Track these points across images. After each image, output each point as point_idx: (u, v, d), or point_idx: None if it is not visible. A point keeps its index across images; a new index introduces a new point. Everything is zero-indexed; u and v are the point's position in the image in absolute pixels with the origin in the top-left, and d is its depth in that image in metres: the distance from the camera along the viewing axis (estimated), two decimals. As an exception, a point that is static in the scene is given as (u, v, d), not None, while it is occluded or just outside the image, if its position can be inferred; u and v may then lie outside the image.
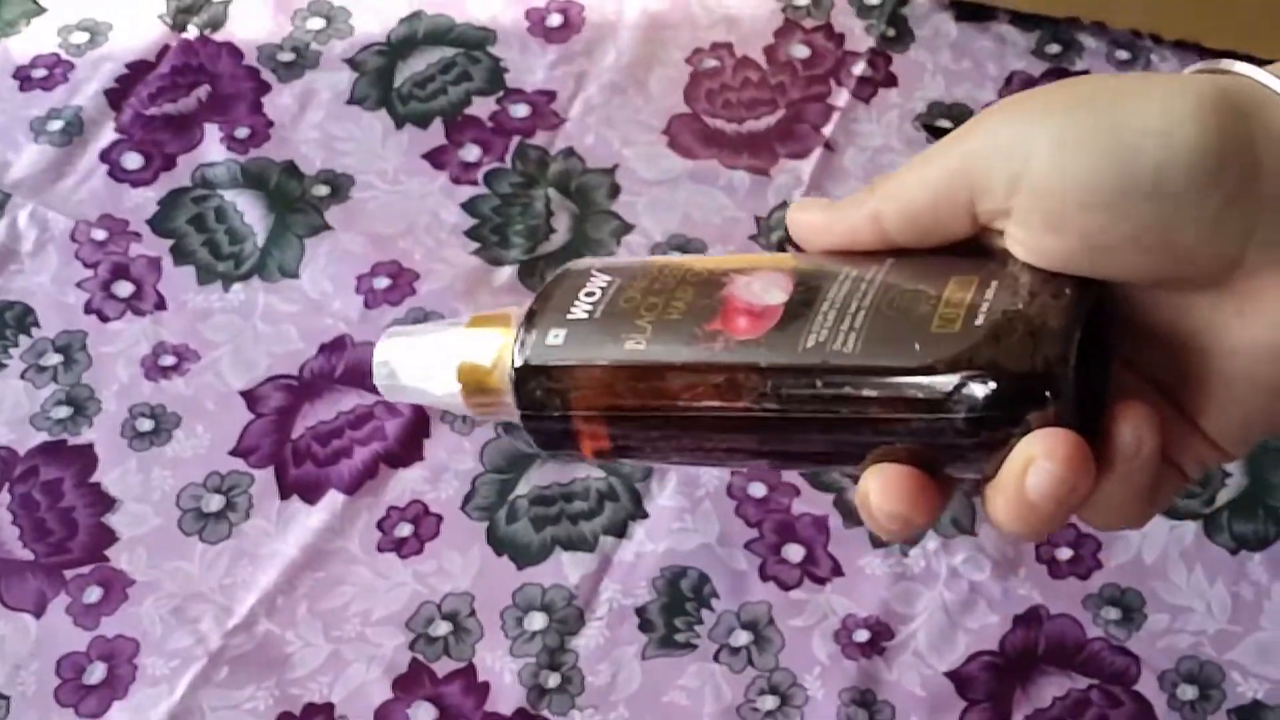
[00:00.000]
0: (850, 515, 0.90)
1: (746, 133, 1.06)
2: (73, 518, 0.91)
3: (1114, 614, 0.87)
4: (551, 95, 1.08)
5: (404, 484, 0.91)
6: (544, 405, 0.39)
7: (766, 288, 0.38)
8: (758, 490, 0.91)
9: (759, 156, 1.05)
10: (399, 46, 1.10)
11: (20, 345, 0.97)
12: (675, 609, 0.88)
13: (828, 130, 1.06)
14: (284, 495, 0.91)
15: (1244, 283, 0.36)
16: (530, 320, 0.40)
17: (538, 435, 0.40)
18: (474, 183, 1.04)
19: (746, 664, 0.86)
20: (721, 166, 1.04)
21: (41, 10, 1.12)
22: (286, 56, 1.09)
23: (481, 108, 1.07)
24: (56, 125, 1.06)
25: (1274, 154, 0.35)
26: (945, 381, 0.35)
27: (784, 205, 1.02)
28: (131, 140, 1.05)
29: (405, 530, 0.90)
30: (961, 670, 0.86)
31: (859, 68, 1.09)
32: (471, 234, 1.02)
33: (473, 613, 0.88)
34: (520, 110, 1.07)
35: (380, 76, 1.09)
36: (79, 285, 0.99)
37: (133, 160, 1.05)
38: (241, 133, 1.06)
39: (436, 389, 0.42)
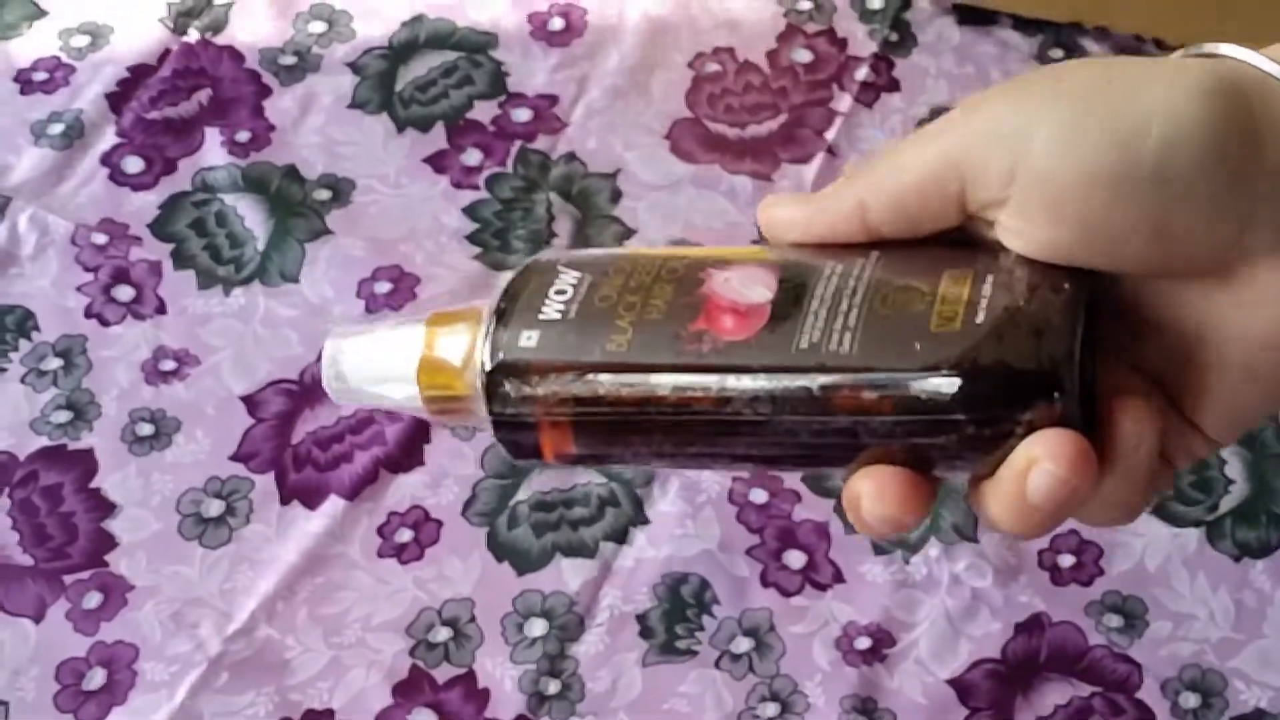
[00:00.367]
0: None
1: (749, 137, 1.06)
2: (72, 523, 0.90)
3: (1116, 621, 0.87)
4: (553, 99, 1.08)
5: (404, 489, 0.91)
6: (517, 410, 0.37)
7: (748, 284, 0.37)
8: (759, 496, 0.91)
9: (761, 161, 1.05)
10: (400, 50, 1.10)
11: (20, 349, 0.97)
12: (676, 615, 0.87)
13: (830, 135, 1.06)
14: (284, 500, 0.91)
15: (1241, 270, 0.35)
16: (500, 319, 0.38)
17: (508, 442, 0.38)
18: (475, 187, 1.04)
19: (747, 671, 0.86)
20: (723, 171, 1.04)
21: (43, 13, 1.12)
22: (288, 60, 1.09)
23: (483, 112, 1.07)
24: (57, 128, 1.06)
25: (1274, 135, 0.35)
26: (949, 383, 0.34)
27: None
28: (132, 144, 1.05)
29: (406, 536, 0.90)
30: (963, 677, 0.85)
31: (861, 72, 1.09)
32: (473, 238, 1.01)
33: (473, 619, 0.88)
34: (522, 114, 1.07)
35: (382, 80, 1.08)
36: (79, 289, 0.99)
37: (133, 164, 1.04)
38: (242, 136, 1.05)
39: (394, 392, 0.40)
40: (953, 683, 0.85)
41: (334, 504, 0.91)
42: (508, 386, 0.37)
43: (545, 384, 0.37)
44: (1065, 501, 0.34)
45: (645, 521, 0.90)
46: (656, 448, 0.38)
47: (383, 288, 0.99)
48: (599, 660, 0.86)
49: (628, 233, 1.01)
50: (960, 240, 0.38)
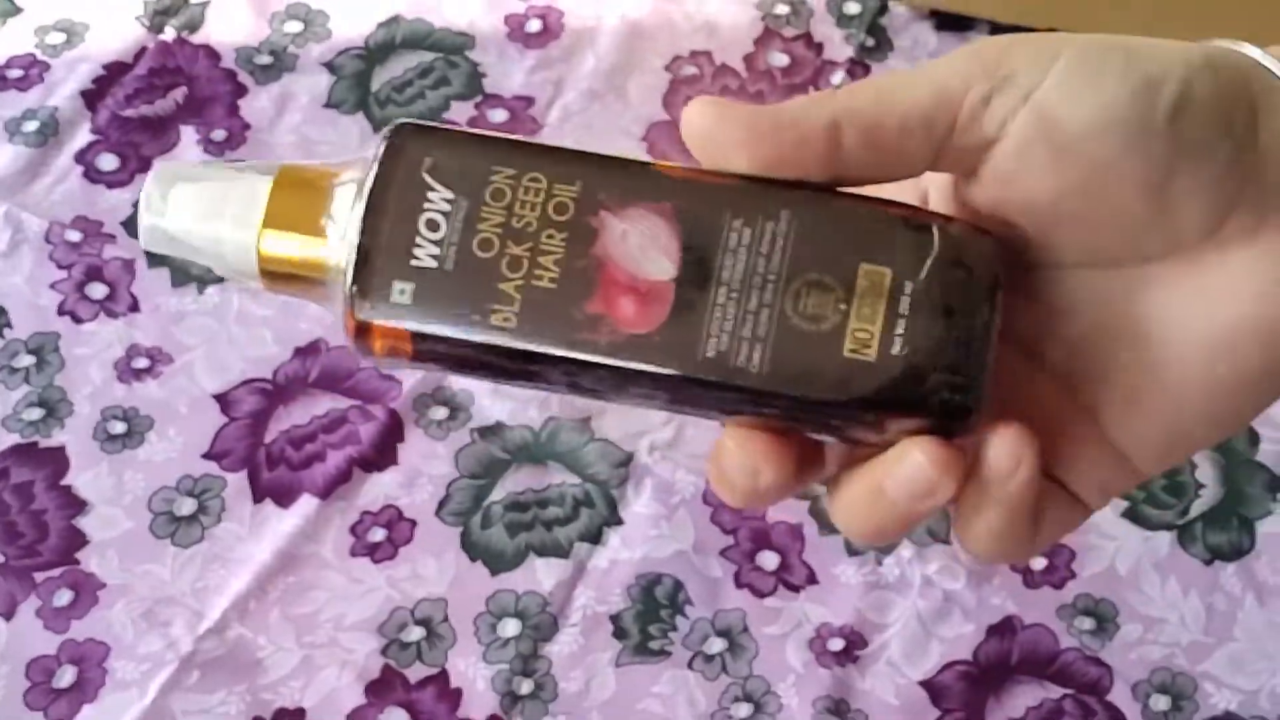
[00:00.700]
0: (826, 523, 0.90)
1: (725, 140, 1.06)
2: (43, 520, 0.90)
3: (1088, 624, 0.87)
4: (530, 101, 1.08)
5: (378, 488, 0.91)
6: (388, 353, 0.35)
7: (647, 249, 0.34)
8: (733, 498, 0.91)
9: (737, 164, 1.05)
10: (377, 51, 1.10)
11: (-8, 346, 0.96)
12: (649, 616, 0.87)
13: (806, 138, 1.06)
14: (257, 499, 0.91)
15: (1211, 255, 0.34)
16: (364, 258, 0.34)
17: (362, 356, 0.36)
18: (451, 187, 1.03)
19: (720, 671, 0.86)
20: (700, 174, 1.04)
21: (18, 10, 1.11)
22: (264, 59, 1.09)
23: (460, 112, 1.07)
24: (32, 126, 1.05)
25: (1268, 120, 0.34)
26: (861, 415, 0.34)
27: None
28: (107, 141, 1.05)
29: (379, 535, 0.90)
30: (935, 679, 0.86)
31: (838, 77, 1.09)
32: (448, 239, 1.01)
33: (446, 619, 0.87)
34: (498, 115, 1.07)
35: (358, 80, 1.08)
36: (53, 286, 0.99)
37: (108, 161, 1.04)
38: (218, 135, 1.05)
39: (224, 243, 0.36)
40: (925, 684, 0.85)
41: (307, 503, 0.90)
42: (372, 335, 0.35)
43: (420, 344, 0.35)
44: (921, 495, 0.33)
45: (619, 522, 0.90)
46: (521, 386, 0.36)
47: (358, 287, 0.98)
48: (572, 660, 0.86)
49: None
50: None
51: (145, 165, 1.04)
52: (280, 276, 0.36)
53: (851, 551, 0.89)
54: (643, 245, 0.34)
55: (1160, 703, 0.85)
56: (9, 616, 0.87)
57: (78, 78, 1.08)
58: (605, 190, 0.34)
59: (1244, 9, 1.03)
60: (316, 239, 0.35)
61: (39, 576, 0.88)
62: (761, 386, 0.34)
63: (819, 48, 1.11)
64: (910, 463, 0.33)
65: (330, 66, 1.09)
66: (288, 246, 0.36)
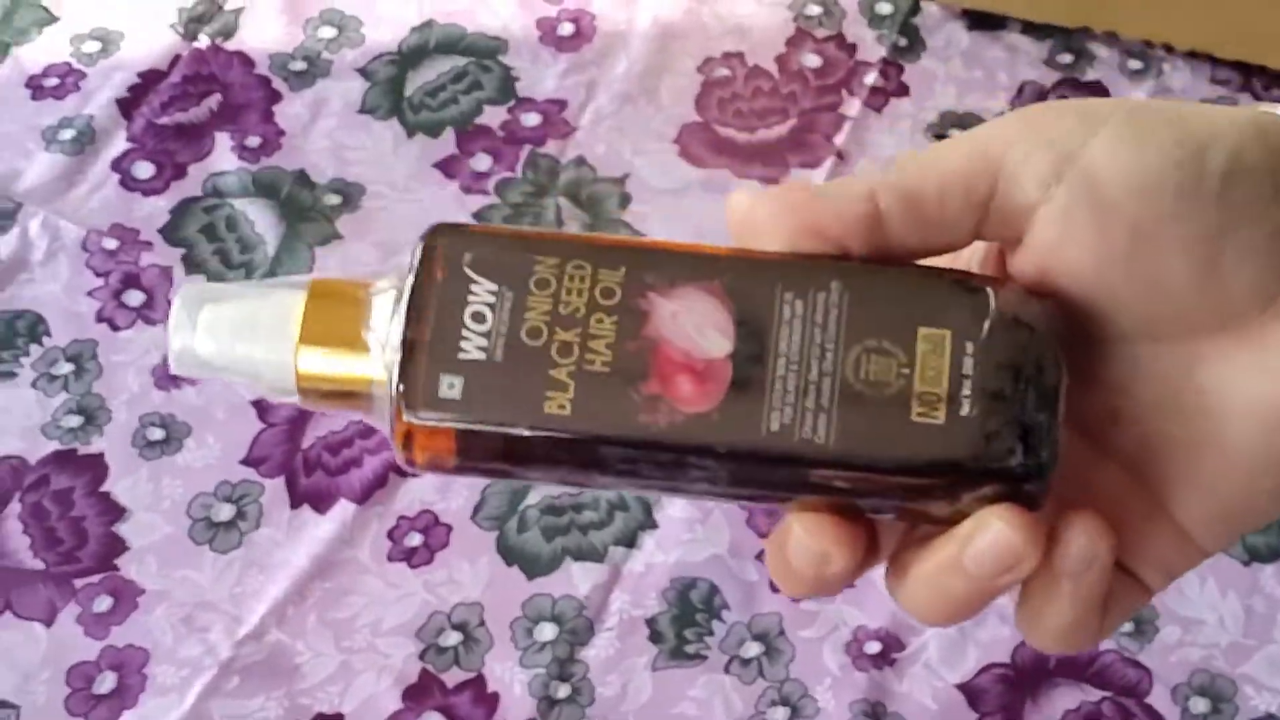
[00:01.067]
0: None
1: (758, 142, 1.06)
2: (83, 527, 0.91)
3: (1127, 626, 0.87)
4: (562, 104, 1.08)
5: (414, 493, 0.91)
6: (433, 460, 0.34)
7: (700, 327, 0.33)
8: (768, 501, 0.91)
9: (771, 166, 1.05)
10: (410, 56, 1.10)
11: (31, 354, 0.97)
12: (686, 620, 0.87)
13: (839, 140, 1.06)
14: (294, 505, 0.91)
15: (1270, 325, 0.33)
16: (410, 354, 0.33)
17: (410, 463, 0.34)
18: (485, 192, 1.04)
19: (757, 675, 0.86)
20: (733, 176, 1.04)
21: (54, 19, 1.12)
22: (298, 65, 1.10)
23: (492, 117, 1.07)
24: (68, 134, 1.06)
25: None
26: (934, 482, 0.33)
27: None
28: (143, 149, 1.06)
29: (415, 540, 0.90)
30: (972, 682, 0.85)
31: (871, 77, 1.09)
32: (482, 243, 1.01)
33: (482, 623, 0.88)
34: (531, 119, 1.07)
35: (391, 86, 1.09)
36: (90, 294, 0.99)
37: (144, 169, 1.05)
38: (253, 142, 1.06)
39: (259, 365, 0.35)
40: (962, 687, 0.85)
41: (344, 508, 0.91)
42: (423, 437, 0.33)
43: (468, 442, 0.33)
44: (1004, 569, 0.32)
45: (654, 526, 0.90)
46: (573, 483, 0.35)
47: (392, 292, 0.99)
48: (609, 665, 0.86)
49: (637, 236, 1.01)
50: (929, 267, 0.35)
51: (181, 172, 1.04)
52: (321, 393, 0.35)
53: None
54: (695, 323, 0.33)
55: (1200, 705, 0.85)
56: (49, 623, 0.88)
57: (113, 86, 1.08)
58: (651, 273, 0.34)
59: (1264, 10, 1.03)
60: (357, 352, 0.34)
61: (79, 583, 0.89)
62: (830, 457, 0.32)
63: (851, 48, 1.10)
64: (992, 533, 0.32)
65: (364, 72, 1.09)
66: (327, 362, 0.34)
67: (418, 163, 1.05)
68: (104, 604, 0.88)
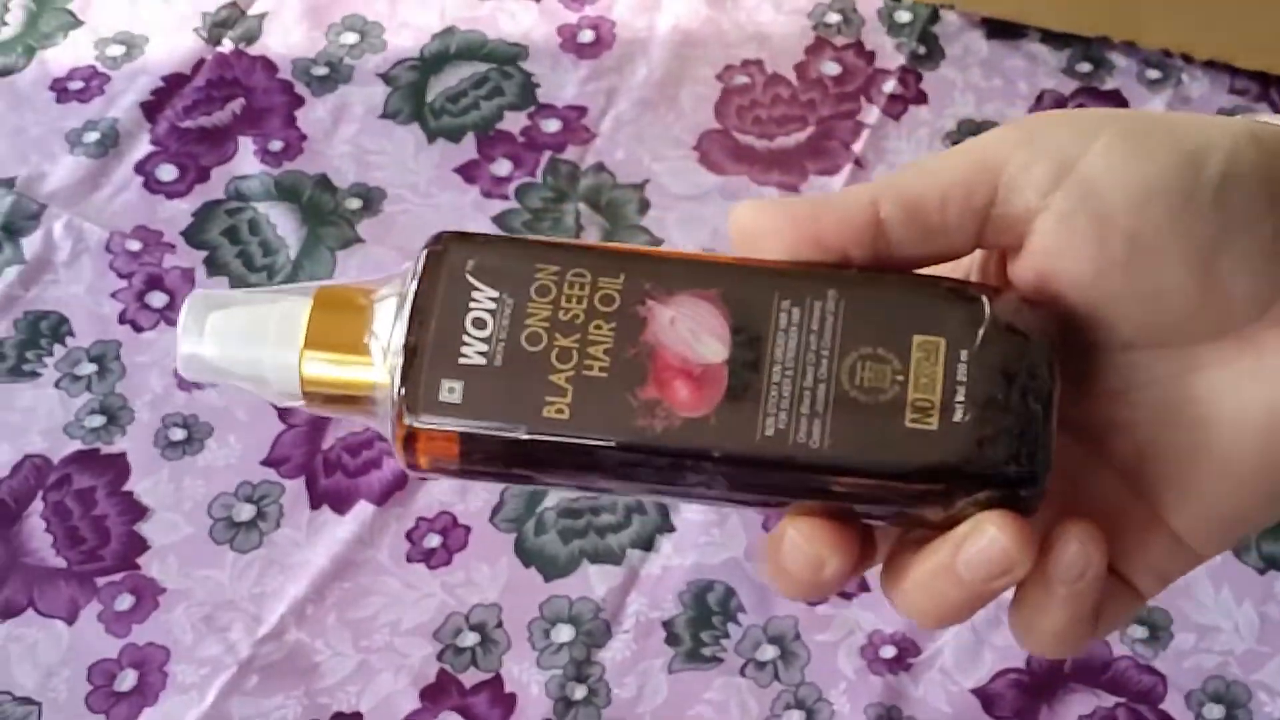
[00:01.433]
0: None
1: (777, 149, 1.07)
2: (105, 526, 0.91)
3: (1141, 632, 0.87)
4: (583, 110, 1.08)
5: (433, 495, 0.92)
6: (433, 463, 0.35)
7: (697, 333, 0.34)
8: (785, 505, 0.91)
9: (789, 173, 1.05)
10: (432, 62, 1.11)
11: (55, 354, 0.98)
12: (702, 623, 0.88)
13: (858, 147, 1.06)
14: (314, 505, 0.92)
15: (1266, 333, 0.33)
16: (411, 359, 0.34)
17: (411, 466, 0.35)
18: (505, 197, 1.05)
19: (773, 678, 0.86)
20: (751, 183, 1.05)
21: (79, 23, 1.13)
22: (320, 70, 1.10)
23: (513, 122, 1.08)
24: (92, 137, 1.07)
25: None
26: (923, 488, 0.33)
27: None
28: (166, 152, 1.07)
29: (434, 541, 0.91)
30: (988, 687, 0.86)
31: (889, 85, 1.09)
32: (502, 248, 1.02)
33: (500, 624, 0.88)
34: (551, 125, 1.08)
35: (413, 91, 1.10)
36: (113, 295, 1.00)
37: (167, 172, 1.06)
38: (275, 146, 1.07)
39: (265, 368, 0.35)
40: (977, 692, 0.86)
41: (363, 509, 0.91)
42: (423, 440, 0.34)
43: (468, 445, 0.34)
44: (997, 574, 0.32)
45: (671, 529, 0.91)
46: (571, 487, 0.36)
47: (413, 296, 0.99)
48: (625, 666, 0.87)
49: (656, 242, 1.02)
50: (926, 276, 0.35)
51: (204, 175, 1.05)
52: (325, 398, 0.35)
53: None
54: (693, 329, 0.34)
55: (1214, 711, 0.85)
56: (71, 621, 0.89)
57: (137, 89, 1.09)
58: (649, 280, 0.34)
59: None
60: (361, 357, 0.35)
61: (100, 581, 0.90)
62: (824, 462, 0.33)
63: (870, 56, 1.11)
64: (985, 538, 0.32)
65: (386, 77, 1.10)
66: (332, 367, 0.35)
67: (439, 167, 1.06)
68: (125, 602, 0.89)
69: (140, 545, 0.91)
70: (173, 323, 0.99)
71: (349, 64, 1.11)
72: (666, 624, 0.88)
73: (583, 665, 0.87)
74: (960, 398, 0.33)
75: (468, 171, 1.06)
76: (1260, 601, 0.88)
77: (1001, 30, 1.11)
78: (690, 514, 0.91)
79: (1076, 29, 1.10)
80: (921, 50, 1.11)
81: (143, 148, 1.07)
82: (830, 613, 0.88)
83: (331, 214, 1.04)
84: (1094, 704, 0.85)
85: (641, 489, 0.35)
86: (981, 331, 0.33)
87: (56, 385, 0.97)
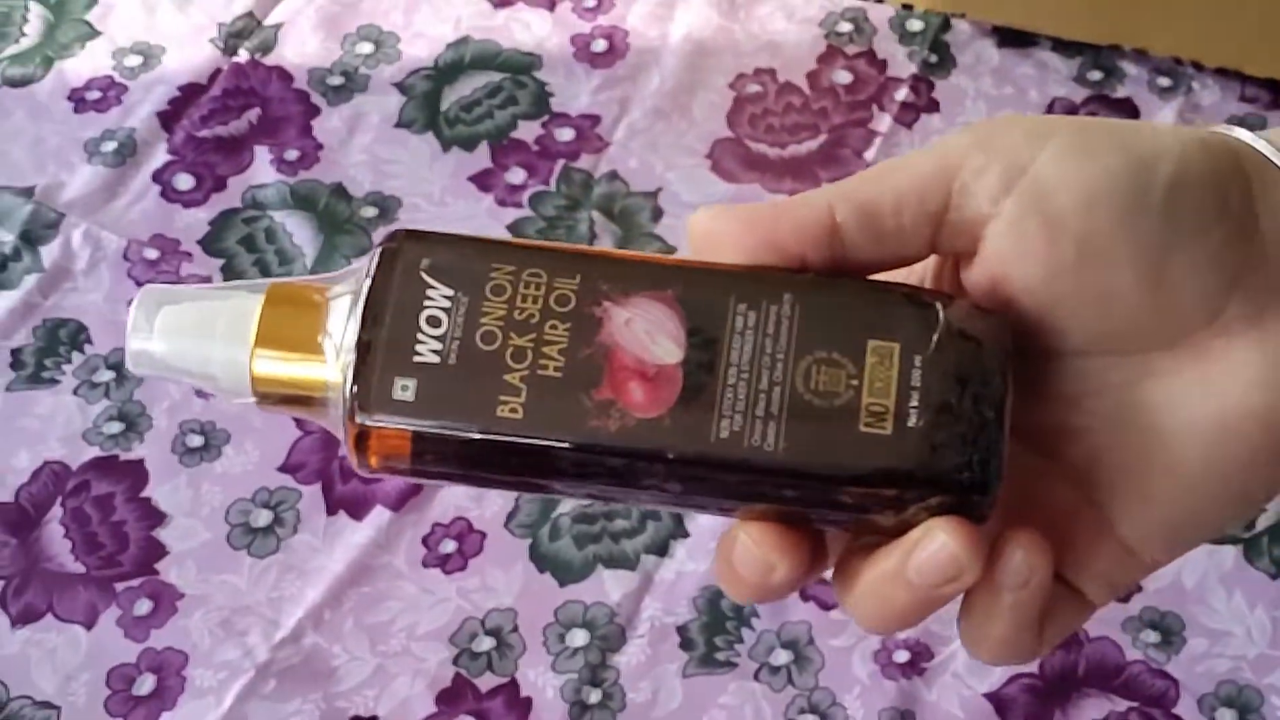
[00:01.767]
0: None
1: (789, 157, 1.07)
2: (123, 531, 0.92)
3: (1153, 637, 0.87)
4: (596, 119, 1.09)
5: (448, 501, 0.93)
6: (385, 462, 0.34)
7: (653, 334, 0.33)
8: (798, 511, 0.92)
9: (802, 181, 1.06)
10: (446, 71, 1.12)
11: (73, 362, 0.99)
12: (716, 628, 0.88)
13: (870, 155, 1.07)
14: (331, 511, 0.93)
15: (1215, 341, 0.34)
16: (364, 356, 0.33)
17: (362, 465, 0.35)
18: (519, 205, 1.05)
19: (787, 683, 0.87)
20: (764, 190, 1.05)
21: (96, 33, 1.14)
22: (336, 80, 1.11)
23: (527, 131, 1.09)
24: (110, 146, 1.08)
25: (1267, 207, 0.34)
26: (881, 491, 0.33)
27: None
28: (183, 161, 1.07)
29: (449, 547, 0.91)
30: (1001, 691, 0.86)
31: (901, 93, 1.10)
32: (516, 255, 1.03)
33: (515, 629, 0.89)
34: (565, 134, 1.09)
35: (428, 100, 1.10)
36: (131, 303, 1.01)
37: (184, 181, 1.06)
38: (291, 155, 1.07)
39: (215, 365, 0.35)
40: (990, 697, 0.86)
41: (379, 515, 0.92)
42: (375, 439, 0.34)
43: (421, 444, 0.34)
44: (946, 580, 0.33)
45: (685, 535, 0.91)
46: (525, 488, 0.35)
47: (428, 303, 1.00)
48: (640, 671, 0.87)
49: (669, 250, 1.03)
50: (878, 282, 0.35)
51: (221, 184, 1.06)
52: (277, 397, 0.35)
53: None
54: (648, 330, 0.33)
55: (1226, 716, 0.85)
56: (90, 625, 0.89)
57: (154, 99, 1.10)
58: (606, 281, 0.34)
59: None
60: (313, 355, 0.34)
61: (119, 586, 0.90)
62: (778, 465, 0.33)
63: (882, 64, 1.11)
64: (936, 544, 0.32)
65: (401, 87, 1.11)
66: (283, 365, 0.35)
67: (453, 176, 1.07)
68: (144, 607, 0.90)
69: (159, 551, 0.92)
70: (190, 330, 1.00)
71: (364, 74, 1.12)
72: (681, 629, 0.89)
73: (597, 669, 0.87)
74: (914, 403, 0.33)
75: (482, 180, 1.06)
76: (1272, 606, 0.88)
77: (1013, 39, 1.12)
78: (704, 520, 0.92)
79: (1087, 37, 1.11)
80: (933, 59, 1.11)
81: (160, 157, 1.08)
82: (844, 617, 0.88)
83: (347, 222, 1.04)
84: (1107, 708, 0.86)
85: (595, 490, 0.34)
86: (935, 337, 0.34)
87: (75, 392, 0.97)
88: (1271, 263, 0.33)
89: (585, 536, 0.91)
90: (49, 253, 1.03)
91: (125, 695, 0.87)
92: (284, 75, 1.12)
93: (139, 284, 1.02)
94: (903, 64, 1.11)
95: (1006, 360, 0.34)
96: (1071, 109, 1.09)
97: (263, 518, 0.92)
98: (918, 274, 0.37)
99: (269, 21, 1.14)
